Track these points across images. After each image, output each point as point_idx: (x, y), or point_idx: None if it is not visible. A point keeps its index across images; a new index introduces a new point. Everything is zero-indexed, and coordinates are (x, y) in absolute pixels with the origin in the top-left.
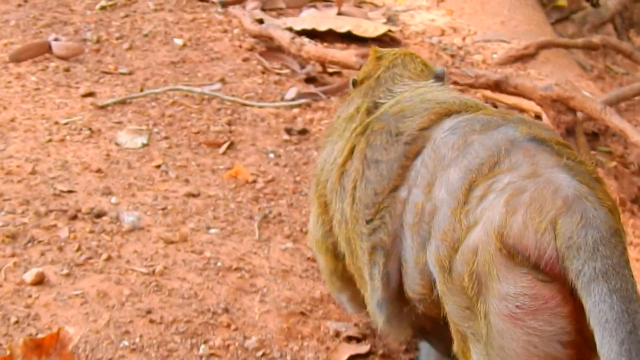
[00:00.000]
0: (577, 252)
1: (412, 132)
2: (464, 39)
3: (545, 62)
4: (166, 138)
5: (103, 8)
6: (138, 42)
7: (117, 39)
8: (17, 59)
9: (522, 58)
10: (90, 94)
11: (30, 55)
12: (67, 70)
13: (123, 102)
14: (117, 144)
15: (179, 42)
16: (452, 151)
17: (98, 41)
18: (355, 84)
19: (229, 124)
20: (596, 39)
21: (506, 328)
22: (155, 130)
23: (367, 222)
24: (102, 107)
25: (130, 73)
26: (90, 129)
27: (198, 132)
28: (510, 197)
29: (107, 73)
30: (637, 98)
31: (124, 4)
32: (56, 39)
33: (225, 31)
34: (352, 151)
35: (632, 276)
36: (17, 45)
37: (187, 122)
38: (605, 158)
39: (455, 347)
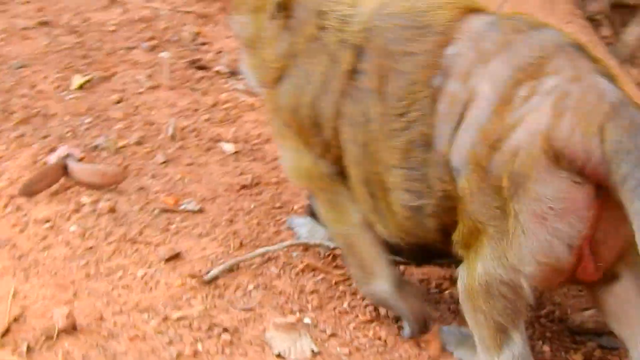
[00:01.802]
0: (627, 156)
1: (444, 22)
2: None
3: None
4: (333, 335)
5: (81, 87)
6: (171, 150)
7: (138, 143)
8: (30, 191)
9: None
10: (176, 257)
11: (46, 185)
12: (112, 210)
13: (231, 269)
14: (279, 356)
15: (229, 148)
16: (496, 46)
17: (117, 151)
18: (284, 6)
19: None
20: None
21: (532, 227)
22: (307, 319)
23: (400, 115)
24: (209, 282)
25: (201, 210)
26: (224, 328)
27: (369, 321)
28: (556, 100)
29: (169, 212)
30: None
31: (103, 78)
32: (68, 156)
33: (267, 124)
34: (356, 55)
35: None
36: None
37: (340, 301)
38: None
39: (459, 236)
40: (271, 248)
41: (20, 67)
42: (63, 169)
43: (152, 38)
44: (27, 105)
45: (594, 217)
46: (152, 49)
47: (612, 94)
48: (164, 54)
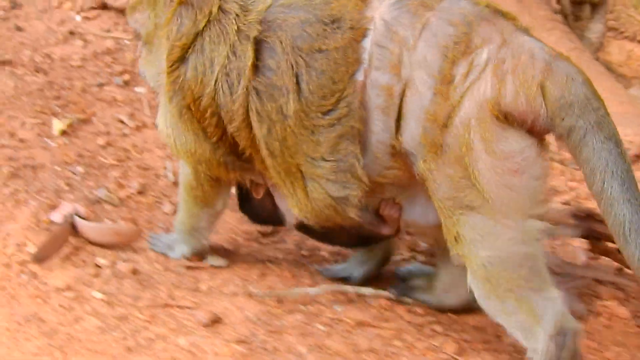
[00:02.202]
0: (570, 109)
1: (353, 16)
2: None
3: None
4: None
5: (63, 132)
6: (176, 198)
7: (140, 192)
8: (42, 257)
9: None
10: (215, 320)
11: (57, 248)
12: (134, 272)
13: (275, 330)
14: None
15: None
16: (413, 31)
17: (121, 203)
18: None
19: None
20: None
21: (516, 181)
22: None
23: (325, 113)
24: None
25: (228, 265)
26: None
27: None
28: (495, 68)
29: (194, 269)
30: None
31: (83, 120)
32: (73, 213)
33: None
34: (257, 51)
35: None
36: None
37: (399, 358)
38: None
39: (446, 231)
40: (312, 290)
41: None
42: (71, 229)
43: (123, 72)
44: (12, 157)
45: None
46: (126, 83)
47: (540, 51)
48: (140, 90)
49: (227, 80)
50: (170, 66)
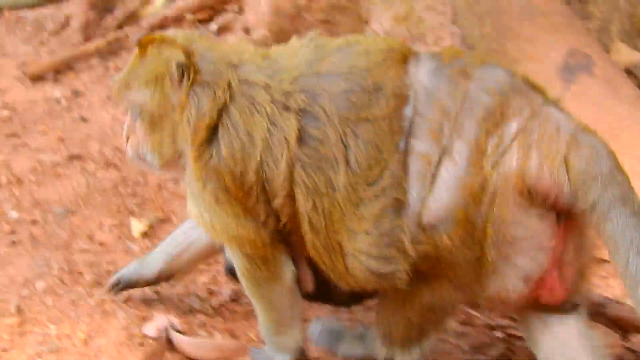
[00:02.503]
0: (594, 182)
1: (394, 83)
2: None
3: None
4: None
5: (145, 235)
6: None
7: (233, 300)
8: None
9: None
10: None
11: None
12: None
13: None
14: None
15: None
16: (455, 101)
17: (216, 311)
18: (187, 64)
19: None
20: None
21: (500, 268)
22: None
23: (370, 184)
24: None
25: None
26: None
27: None
28: (521, 140)
29: None
30: None
31: (162, 220)
32: (168, 327)
33: None
34: (300, 120)
35: None
36: None
37: None
38: None
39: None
40: None
41: (67, 213)
42: (168, 344)
43: None
44: (93, 263)
45: (557, 245)
46: None
47: (567, 123)
48: None
49: (270, 154)
50: (198, 150)
